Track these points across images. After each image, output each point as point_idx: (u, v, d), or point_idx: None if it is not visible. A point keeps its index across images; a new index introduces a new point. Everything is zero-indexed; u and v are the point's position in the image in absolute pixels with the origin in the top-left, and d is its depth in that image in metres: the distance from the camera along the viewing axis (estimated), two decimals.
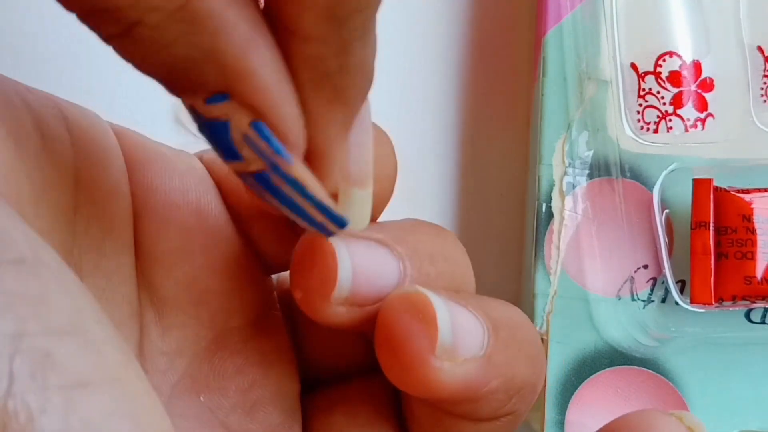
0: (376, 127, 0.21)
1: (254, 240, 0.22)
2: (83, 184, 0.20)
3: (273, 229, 0.22)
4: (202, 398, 0.21)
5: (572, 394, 0.29)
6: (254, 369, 0.22)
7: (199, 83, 0.16)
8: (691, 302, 0.28)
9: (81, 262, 0.19)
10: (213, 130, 0.17)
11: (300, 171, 0.18)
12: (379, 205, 0.22)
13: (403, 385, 0.20)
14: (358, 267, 0.20)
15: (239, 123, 0.17)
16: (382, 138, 0.22)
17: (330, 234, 0.19)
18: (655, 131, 0.29)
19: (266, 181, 0.17)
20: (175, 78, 0.16)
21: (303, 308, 0.20)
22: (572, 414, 0.29)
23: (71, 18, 0.16)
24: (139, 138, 0.22)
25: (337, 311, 0.20)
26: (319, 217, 0.18)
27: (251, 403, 0.21)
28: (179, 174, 0.22)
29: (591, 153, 0.29)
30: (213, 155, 0.23)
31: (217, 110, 0.17)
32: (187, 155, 0.23)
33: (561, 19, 0.29)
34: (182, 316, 0.21)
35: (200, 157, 0.23)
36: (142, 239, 0.21)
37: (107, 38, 0.16)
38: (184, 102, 0.17)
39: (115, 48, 0.16)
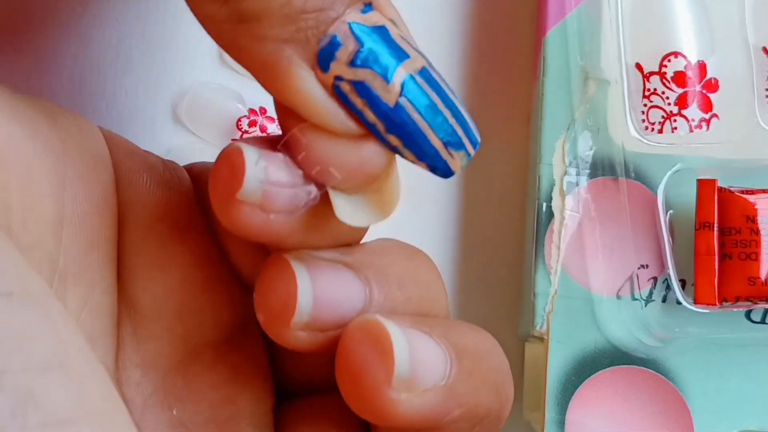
0: None
1: (233, 260, 0.22)
2: (72, 196, 0.20)
3: (251, 250, 0.22)
4: (174, 411, 0.21)
5: (573, 393, 0.29)
6: (228, 385, 0.22)
7: None
8: (695, 303, 0.28)
9: (66, 273, 0.19)
10: (380, 35, 0.18)
11: None
12: None
13: (362, 414, 0.19)
14: (320, 292, 0.19)
15: (392, 26, 0.19)
16: None
17: (475, 145, 0.20)
18: (660, 131, 0.29)
19: (429, 77, 0.19)
20: None
21: (266, 331, 0.20)
22: (572, 414, 0.29)
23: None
24: (129, 146, 0.22)
25: (298, 335, 0.20)
26: (466, 114, 0.19)
27: (224, 418, 0.21)
28: (165, 188, 0.22)
29: (592, 152, 0.29)
30: (203, 167, 0.23)
31: (375, 16, 0.19)
32: (176, 167, 0.23)
33: (562, 18, 0.29)
34: (157, 329, 0.21)
35: (189, 169, 0.23)
36: (123, 251, 0.21)
37: None
38: (341, 26, 0.18)
39: None
